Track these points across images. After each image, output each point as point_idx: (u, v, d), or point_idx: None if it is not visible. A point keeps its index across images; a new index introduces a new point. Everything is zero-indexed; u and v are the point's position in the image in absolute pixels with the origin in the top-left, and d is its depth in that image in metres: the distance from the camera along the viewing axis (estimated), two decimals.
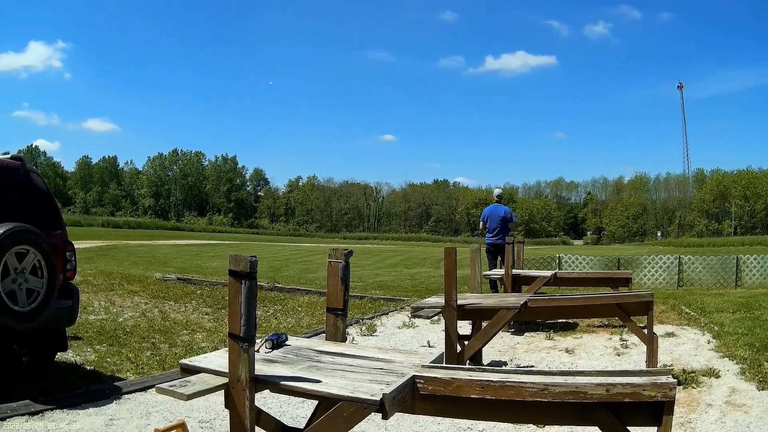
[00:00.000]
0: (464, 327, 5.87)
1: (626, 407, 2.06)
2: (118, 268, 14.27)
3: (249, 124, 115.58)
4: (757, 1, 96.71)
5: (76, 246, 4.92)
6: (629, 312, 5.36)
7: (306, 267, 18.91)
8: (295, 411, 4.07)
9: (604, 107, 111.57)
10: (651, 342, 5.22)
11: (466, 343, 4.93)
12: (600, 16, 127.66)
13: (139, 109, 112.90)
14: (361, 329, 7.30)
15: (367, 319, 8.05)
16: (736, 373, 5.02)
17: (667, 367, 5.09)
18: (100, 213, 75.42)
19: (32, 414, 3.75)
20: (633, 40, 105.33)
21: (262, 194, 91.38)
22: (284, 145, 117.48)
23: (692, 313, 8.22)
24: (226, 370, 2.30)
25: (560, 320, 7.52)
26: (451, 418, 3.54)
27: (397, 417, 3.69)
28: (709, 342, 6.43)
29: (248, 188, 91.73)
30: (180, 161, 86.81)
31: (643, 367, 5.36)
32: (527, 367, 5.62)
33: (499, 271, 8.51)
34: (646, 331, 5.42)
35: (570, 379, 2.11)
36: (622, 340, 6.68)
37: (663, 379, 2.03)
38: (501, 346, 6.61)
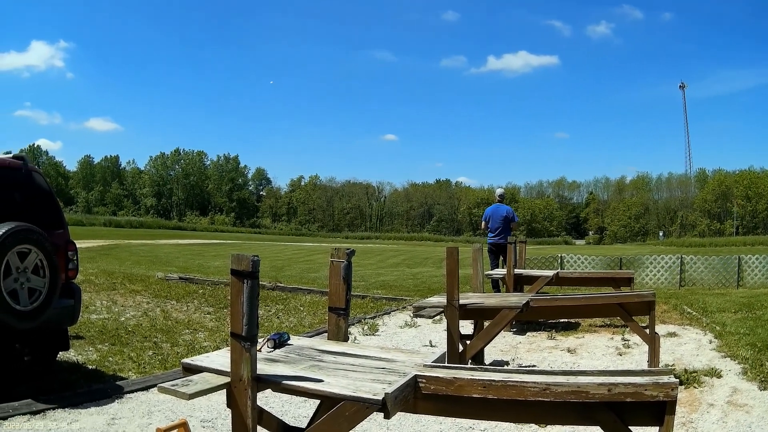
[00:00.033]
0: (466, 326, 5.87)
1: (628, 407, 2.05)
2: (120, 267, 14.27)
3: (250, 124, 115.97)
4: (757, 1, 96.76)
5: (78, 245, 4.93)
6: (631, 312, 5.36)
7: (308, 266, 18.91)
8: (297, 410, 4.08)
9: (606, 107, 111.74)
10: (653, 342, 5.22)
11: (468, 342, 4.94)
12: (602, 16, 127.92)
13: (141, 108, 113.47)
14: (363, 329, 7.30)
15: (369, 318, 8.05)
16: (738, 373, 5.01)
17: (669, 367, 5.08)
18: (102, 212, 75.40)
19: (34, 413, 3.76)
20: (635, 40, 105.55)
21: (264, 194, 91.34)
22: (286, 144, 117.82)
23: (694, 313, 8.21)
24: (228, 370, 2.30)
25: (562, 320, 7.52)
26: (453, 417, 3.54)
27: (399, 416, 3.69)
28: (710, 342, 6.42)
29: (250, 188, 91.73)
30: (182, 161, 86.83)
31: (644, 366, 5.35)
32: (529, 366, 5.62)
33: (501, 271, 8.50)
34: (648, 330, 5.41)
35: (572, 379, 2.11)
36: (624, 339, 6.67)
37: (665, 378, 2.03)
38: (503, 345, 6.60)
